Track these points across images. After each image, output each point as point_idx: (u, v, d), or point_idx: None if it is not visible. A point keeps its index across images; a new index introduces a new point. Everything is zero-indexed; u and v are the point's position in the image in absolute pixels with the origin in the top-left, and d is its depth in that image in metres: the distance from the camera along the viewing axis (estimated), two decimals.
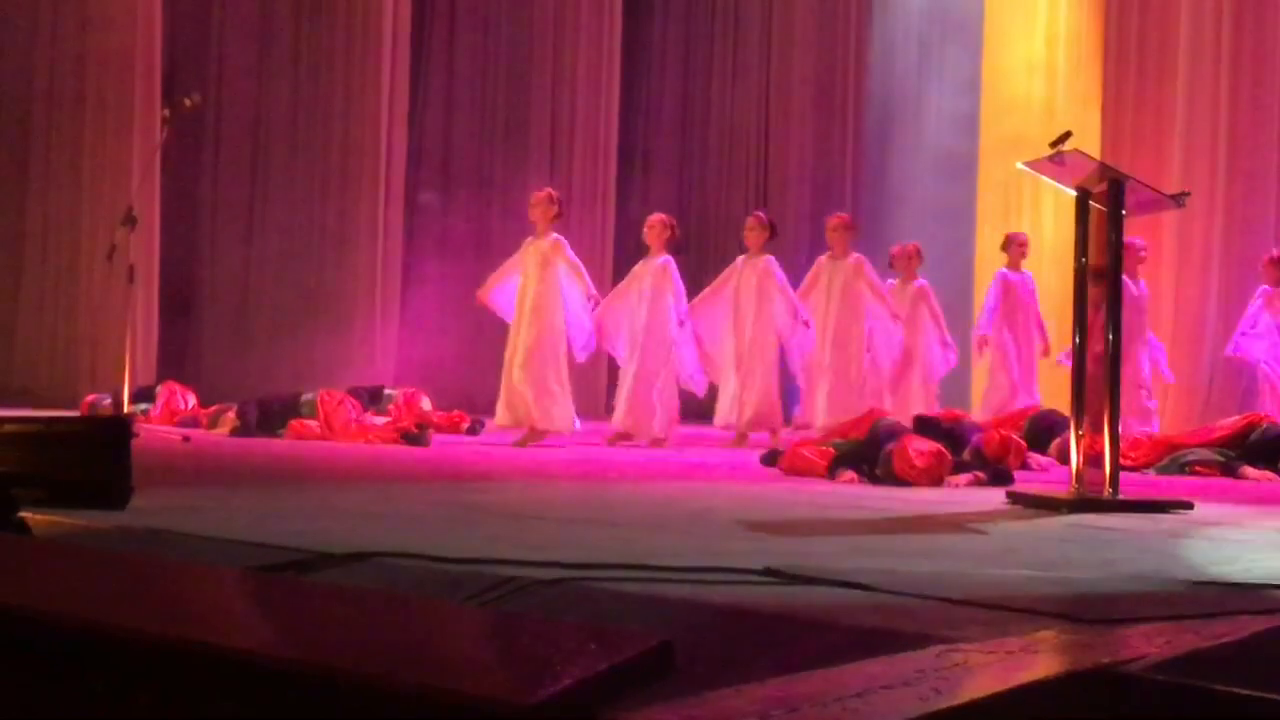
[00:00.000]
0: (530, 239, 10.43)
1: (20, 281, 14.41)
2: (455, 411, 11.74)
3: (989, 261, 12.73)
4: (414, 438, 9.84)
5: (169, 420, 11.49)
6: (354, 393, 10.63)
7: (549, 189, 10.79)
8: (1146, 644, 2.61)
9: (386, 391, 11.32)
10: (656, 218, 10.81)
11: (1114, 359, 5.71)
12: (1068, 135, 5.76)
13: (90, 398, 11.36)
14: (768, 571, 3.45)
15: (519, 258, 10.37)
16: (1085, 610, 2.99)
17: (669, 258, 10.58)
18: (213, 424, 10.73)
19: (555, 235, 10.39)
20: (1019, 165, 5.94)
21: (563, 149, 16.33)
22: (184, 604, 2.81)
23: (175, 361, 14.27)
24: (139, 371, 12.30)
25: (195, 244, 15.74)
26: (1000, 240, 12.03)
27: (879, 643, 2.67)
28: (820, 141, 16.80)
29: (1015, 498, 6.03)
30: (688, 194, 17.19)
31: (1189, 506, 5.63)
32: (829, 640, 2.75)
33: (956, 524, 5.09)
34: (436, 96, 16.98)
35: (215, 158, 15.76)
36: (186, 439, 9.39)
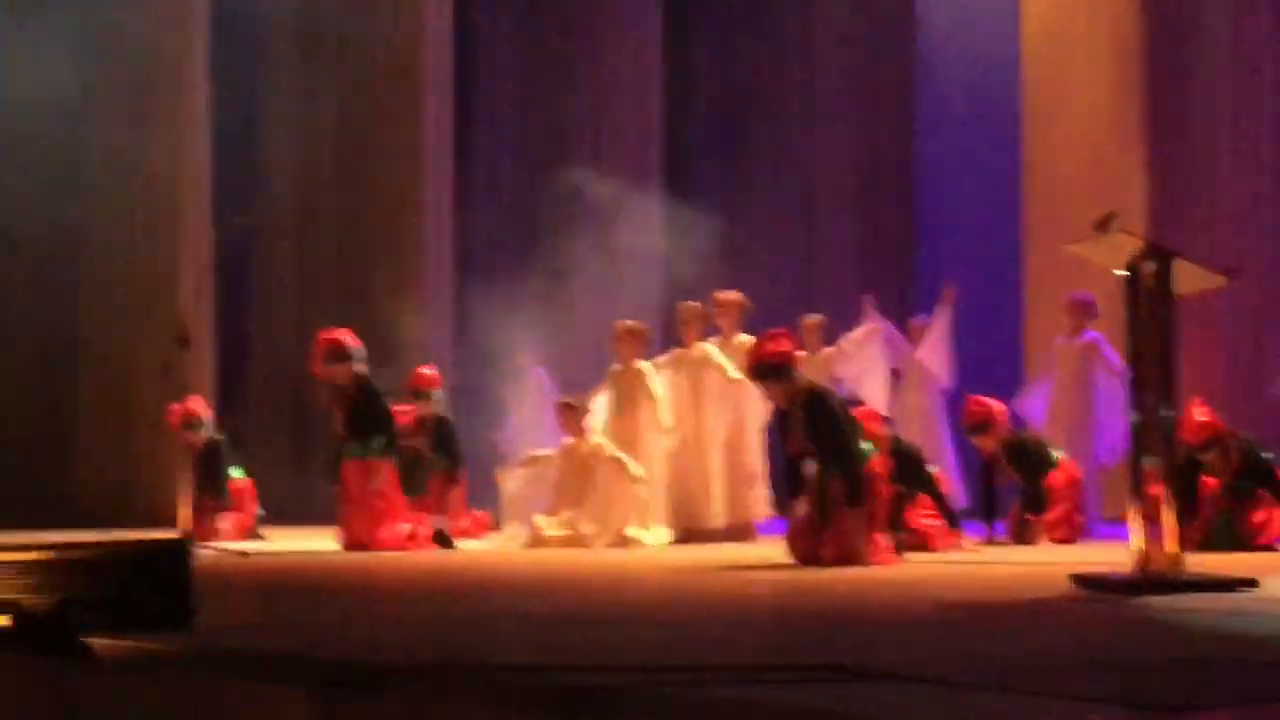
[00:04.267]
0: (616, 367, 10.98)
1: (76, 400, 14.52)
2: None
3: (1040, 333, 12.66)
4: (447, 539, 10.03)
5: (241, 529, 11.61)
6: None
7: (632, 322, 11.10)
8: None
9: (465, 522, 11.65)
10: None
11: (1169, 433, 5.67)
12: (1112, 216, 5.75)
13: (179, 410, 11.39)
14: (830, 668, 3.41)
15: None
16: (1151, 697, 2.94)
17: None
18: None
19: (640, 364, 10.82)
20: (1065, 248, 5.92)
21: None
22: None
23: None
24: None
25: (246, 359, 15.91)
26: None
27: None
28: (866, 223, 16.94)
29: (1078, 579, 5.95)
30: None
31: (1254, 584, 5.56)
32: None
33: (1017, 608, 5.04)
34: (480, 199, 17.14)
35: (266, 275, 15.93)
36: (244, 554, 9.42)
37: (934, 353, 12.95)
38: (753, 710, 3.02)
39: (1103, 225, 5.72)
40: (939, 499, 9.60)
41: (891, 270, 16.80)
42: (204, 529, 10.93)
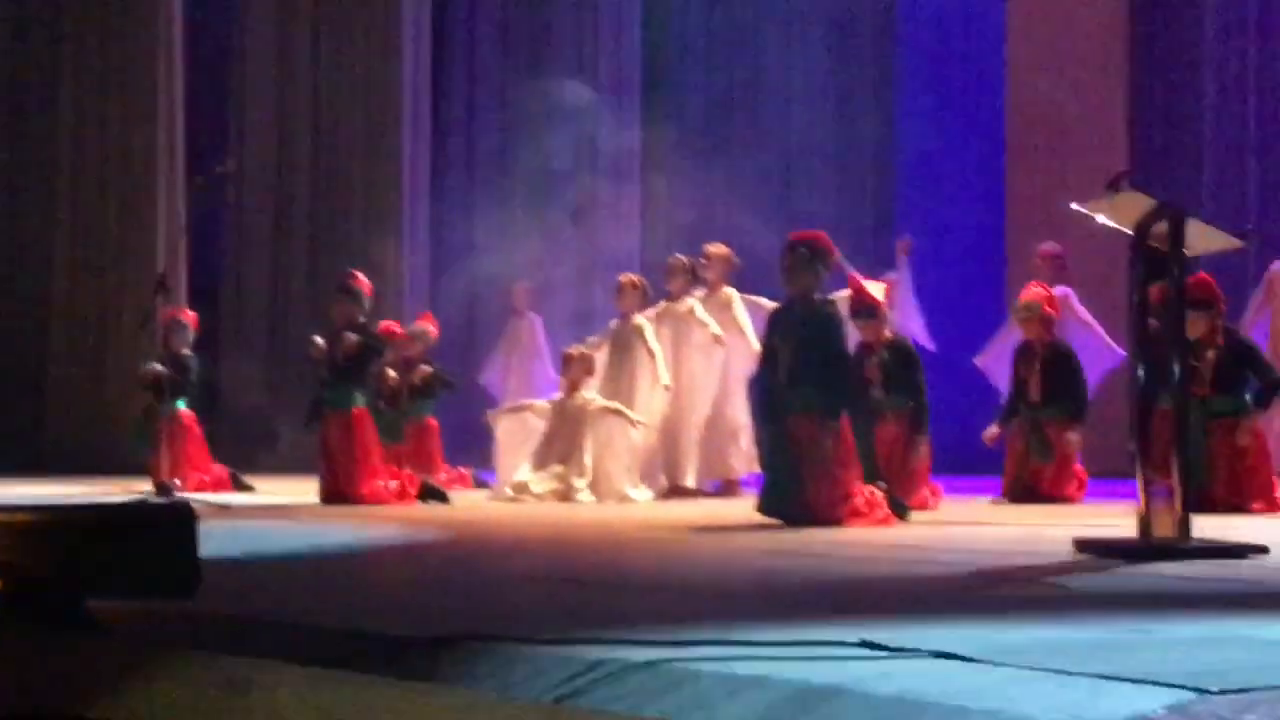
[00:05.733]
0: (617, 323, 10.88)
1: (48, 351, 14.39)
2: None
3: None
4: (435, 492, 9.94)
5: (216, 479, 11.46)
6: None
7: (634, 275, 11.09)
8: None
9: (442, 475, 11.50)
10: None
11: (1182, 396, 5.61)
12: (1123, 175, 5.67)
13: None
14: (863, 644, 3.33)
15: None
16: (1208, 680, 2.85)
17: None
18: None
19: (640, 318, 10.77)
20: (1073, 206, 5.83)
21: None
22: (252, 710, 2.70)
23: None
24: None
25: (220, 312, 15.74)
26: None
27: None
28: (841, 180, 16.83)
29: (1083, 545, 5.88)
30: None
31: (1265, 550, 5.51)
32: None
33: (1032, 578, 4.97)
34: (458, 151, 16.96)
35: (238, 227, 15.76)
36: (226, 507, 9.31)
37: (908, 318, 12.76)
38: (783, 689, 2.94)
39: (1114, 184, 5.63)
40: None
41: (869, 218, 16.67)
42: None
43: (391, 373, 11.73)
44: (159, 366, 10.85)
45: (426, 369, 12.31)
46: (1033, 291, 10.11)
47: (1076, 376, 9.92)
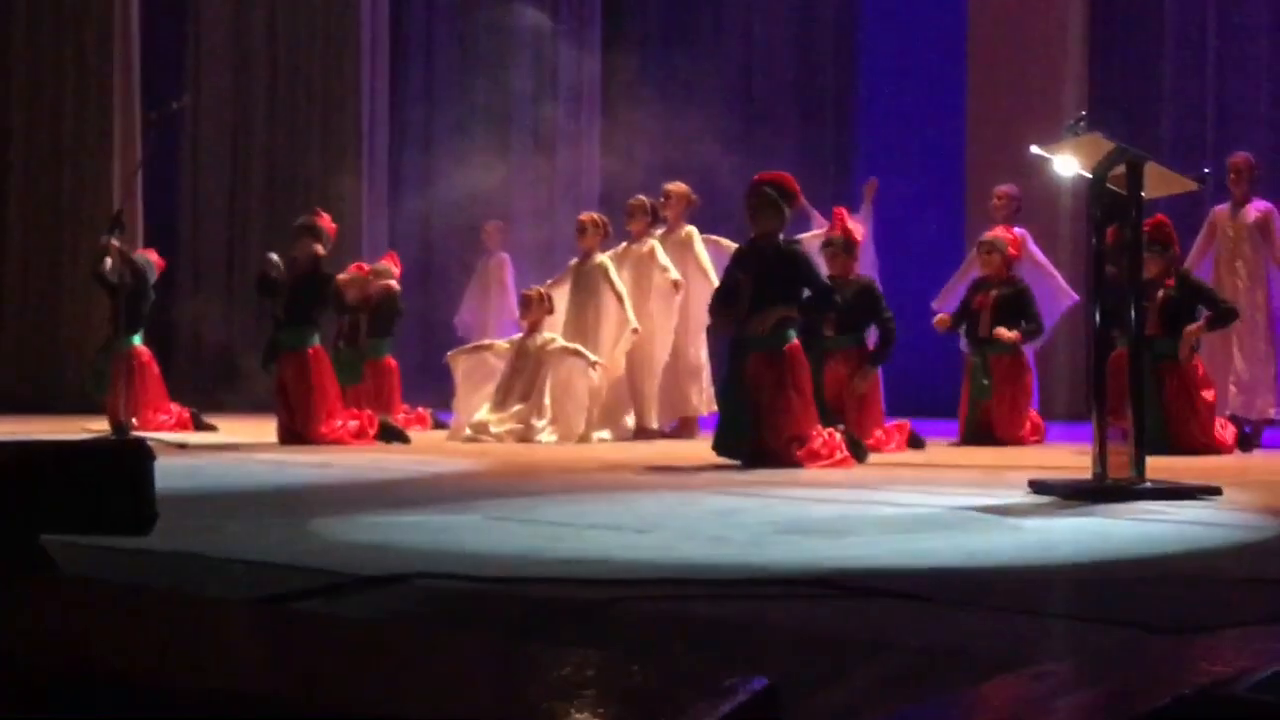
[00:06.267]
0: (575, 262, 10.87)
1: (1, 290, 14.27)
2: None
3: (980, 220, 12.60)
4: (394, 432, 9.91)
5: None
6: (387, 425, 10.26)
7: (595, 214, 11.04)
8: (1237, 657, 2.51)
9: (400, 415, 11.48)
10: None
11: (1138, 339, 5.63)
12: (1083, 118, 5.66)
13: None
14: (819, 584, 3.35)
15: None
16: (1159, 618, 2.88)
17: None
18: None
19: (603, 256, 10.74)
20: (1033, 150, 5.83)
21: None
22: (209, 646, 2.67)
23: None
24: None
25: (176, 250, 15.62)
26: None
27: (956, 665, 2.57)
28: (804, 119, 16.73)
29: (1037, 486, 5.92)
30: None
31: (1218, 492, 5.55)
32: (903, 663, 2.65)
33: (987, 520, 4.98)
34: (416, 84, 16.80)
35: (194, 163, 15.61)
36: (183, 445, 9.26)
37: (863, 263, 12.72)
38: (742, 630, 2.95)
39: (1073, 127, 5.63)
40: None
41: (830, 156, 16.61)
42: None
43: (343, 276, 11.72)
44: (115, 243, 10.49)
45: (390, 283, 12.28)
46: (998, 230, 10.23)
47: (1031, 309, 9.96)
